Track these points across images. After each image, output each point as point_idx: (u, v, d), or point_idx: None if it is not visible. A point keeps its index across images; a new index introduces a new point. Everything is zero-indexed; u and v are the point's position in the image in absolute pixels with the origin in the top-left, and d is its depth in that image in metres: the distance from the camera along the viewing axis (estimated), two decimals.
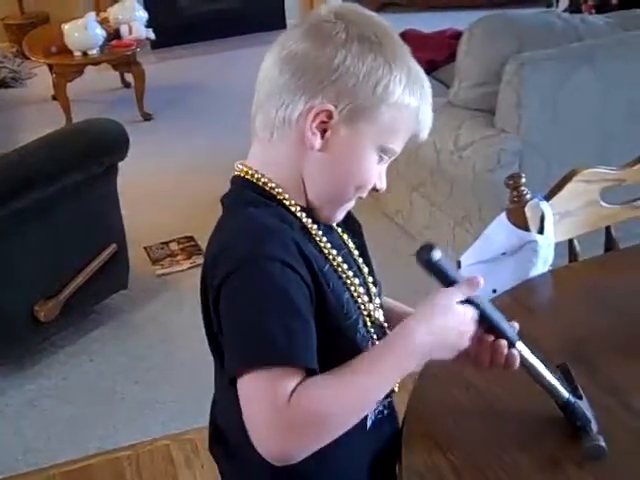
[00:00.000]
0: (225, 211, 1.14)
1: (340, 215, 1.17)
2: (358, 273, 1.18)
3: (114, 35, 4.98)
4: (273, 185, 1.11)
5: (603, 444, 1.11)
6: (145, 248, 3.56)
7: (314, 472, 1.10)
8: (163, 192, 4.11)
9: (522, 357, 1.12)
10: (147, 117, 5.13)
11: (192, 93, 5.62)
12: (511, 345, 1.11)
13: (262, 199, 1.10)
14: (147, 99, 5.15)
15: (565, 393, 1.15)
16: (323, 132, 1.08)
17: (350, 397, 1.01)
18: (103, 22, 5.01)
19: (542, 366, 1.14)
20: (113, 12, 5.11)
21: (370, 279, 1.21)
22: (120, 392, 2.70)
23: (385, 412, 1.20)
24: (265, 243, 1.02)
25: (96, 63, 4.97)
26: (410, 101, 1.10)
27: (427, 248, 1.06)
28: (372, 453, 1.19)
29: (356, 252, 1.21)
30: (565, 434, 1.16)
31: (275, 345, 0.97)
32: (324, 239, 1.13)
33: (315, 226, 1.13)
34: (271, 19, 7.01)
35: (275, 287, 1.00)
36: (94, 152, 2.74)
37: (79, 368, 2.82)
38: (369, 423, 1.16)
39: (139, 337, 2.99)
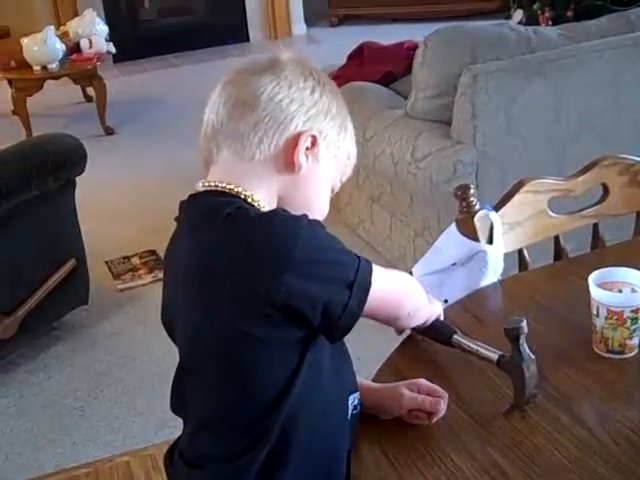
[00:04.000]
0: (227, 220, 1.11)
1: None
2: None
3: (74, 49, 4.97)
4: (262, 203, 1.16)
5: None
6: (107, 263, 3.55)
7: (297, 439, 1.13)
8: (125, 206, 4.10)
9: (462, 344, 1.30)
10: (109, 131, 5.12)
11: (155, 107, 5.62)
12: (450, 336, 1.31)
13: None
14: (109, 113, 5.14)
15: (495, 354, 1.23)
16: (306, 157, 1.17)
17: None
18: (63, 36, 5.00)
19: (477, 345, 1.28)
20: (73, 26, 5.11)
21: None
22: (80, 408, 2.68)
23: (358, 408, 1.24)
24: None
25: (56, 77, 4.95)
26: (353, 149, 1.27)
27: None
28: (347, 445, 1.21)
29: None
30: (509, 437, 1.18)
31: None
32: None
33: None
34: (234, 32, 7.05)
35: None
36: (50, 167, 2.72)
37: (38, 386, 2.80)
38: (349, 412, 1.22)
39: (100, 353, 2.97)
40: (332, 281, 1.09)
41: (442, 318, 1.38)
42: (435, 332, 1.35)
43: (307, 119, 1.17)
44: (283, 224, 1.08)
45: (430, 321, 1.35)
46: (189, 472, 1.20)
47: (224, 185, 1.15)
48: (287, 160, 1.16)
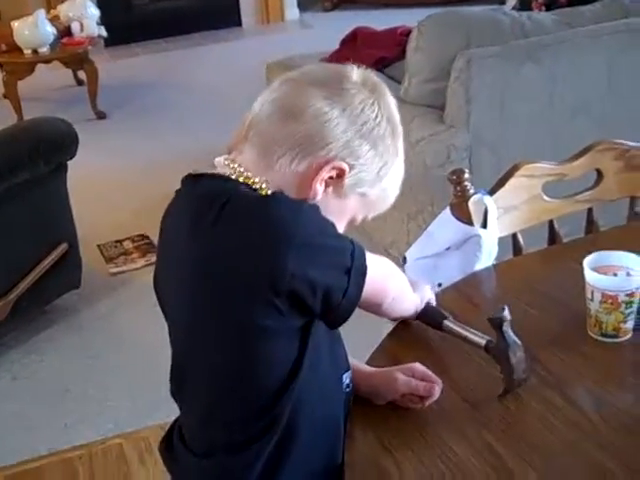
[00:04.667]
0: (226, 206, 1.08)
1: None
2: None
3: (65, 33, 4.94)
4: (268, 192, 1.12)
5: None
6: (99, 246, 3.54)
7: (300, 421, 1.13)
8: (117, 190, 4.08)
9: (452, 330, 1.31)
10: (101, 115, 5.09)
11: (146, 91, 5.59)
12: (441, 321, 1.32)
13: None
14: (101, 97, 5.11)
15: (484, 339, 1.24)
16: (325, 187, 1.12)
17: None
18: (54, 19, 4.96)
19: (466, 331, 1.29)
20: (64, 9, 5.07)
21: None
22: (72, 391, 2.67)
23: (350, 386, 1.23)
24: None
25: (47, 61, 4.92)
26: (394, 190, 1.21)
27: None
28: (343, 418, 1.21)
29: None
30: (503, 421, 1.19)
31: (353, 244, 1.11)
32: None
33: None
34: (226, 17, 7.01)
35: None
36: (41, 151, 2.70)
37: (29, 368, 2.80)
38: (344, 385, 1.22)
39: (92, 336, 2.97)
40: (331, 267, 1.07)
41: (434, 302, 1.38)
42: (427, 317, 1.36)
43: (345, 148, 1.11)
44: (283, 208, 1.06)
45: (419, 310, 1.35)
46: (197, 462, 1.18)
47: (235, 167, 1.13)
48: (304, 183, 1.12)
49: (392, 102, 1.18)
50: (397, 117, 1.18)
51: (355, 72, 1.16)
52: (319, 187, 1.12)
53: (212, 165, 1.18)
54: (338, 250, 1.08)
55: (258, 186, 1.11)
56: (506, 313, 1.18)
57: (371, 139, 1.13)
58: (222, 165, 1.15)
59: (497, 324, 1.19)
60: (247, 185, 1.11)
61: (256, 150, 1.13)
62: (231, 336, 1.09)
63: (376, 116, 1.14)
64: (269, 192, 1.11)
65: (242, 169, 1.12)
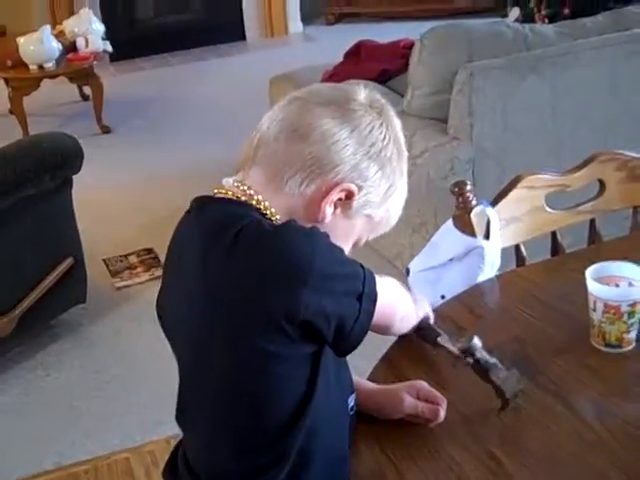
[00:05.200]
0: (239, 236, 1.06)
1: None
2: None
3: (71, 48, 4.97)
4: (277, 217, 1.12)
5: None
6: (104, 261, 3.55)
7: (311, 449, 1.12)
8: (122, 205, 4.10)
9: (444, 347, 1.28)
10: (106, 130, 5.11)
11: (151, 106, 5.61)
12: (435, 338, 1.30)
13: None
14: (106, 112, 5.13)
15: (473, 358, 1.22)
16: (334, 208, 1.12)
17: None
18: (59, 35, 5.00)
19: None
20: (69, 25, 5.10)
21: None
22: (78, 406, 2.67)
23: (354, 409, 1.23)
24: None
25: (52, 76, 4.94)
26: (397, 211, 1.21)
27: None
28: (348, 440, 1.21)
29: None
30: (506, 431, 1.19)
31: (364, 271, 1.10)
32: None
33: None
34: (230, 31, 7.05)
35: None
36: (46, 166, 2.71)
37: (36, 383, 2.80)
38: (349, 408, 1.21)
39: (97, 351, 2.97)
40: (344, 295, 1.06)
41: (431, 315, 1.37)
42: (422, 332, 1.36)
43: (353, 170, 1.11)
44: (297, 239, 1.04)
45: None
46: None
47: (245, 189, 1.12)
48: (313, 204, 1.11)
49: (398, 124, 1.18)
50: (402, 139, 1.18)
51: (362, 93, 1.15)
52: (328, 209, 1.11)
53: (219, 184, 1.16)
54: (350, 277, 1.07)
55: (268, 212, 1.11)
56: (475, 342, 1.19)
57: (379, 161, 1.13)
58: (231, 186, 1.14)
59: (469, 354, 1.20)
60: (258, 210, 1.11)
61: (264, 171, 1.13)
62: (238, 361, 1.07)
63: (384, 138, 1.14)
64: (278, 217, 1.11)
65: (252, 191, 1.12)
